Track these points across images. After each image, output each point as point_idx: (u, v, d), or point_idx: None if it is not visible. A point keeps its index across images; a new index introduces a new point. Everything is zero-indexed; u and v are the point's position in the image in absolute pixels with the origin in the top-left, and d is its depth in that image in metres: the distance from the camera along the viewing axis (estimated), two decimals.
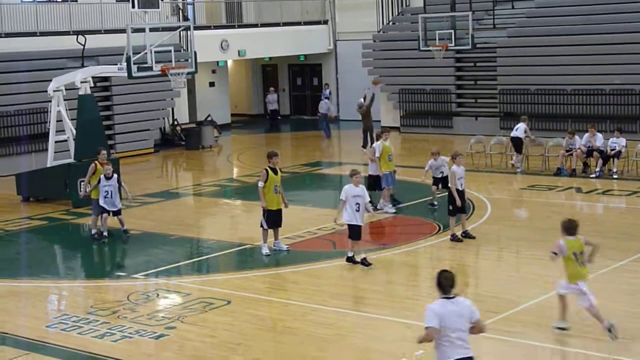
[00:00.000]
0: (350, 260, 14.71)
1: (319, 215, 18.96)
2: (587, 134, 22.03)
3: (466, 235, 16.05)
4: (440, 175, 18.49)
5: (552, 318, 11.71)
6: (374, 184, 18.63)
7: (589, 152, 21.83)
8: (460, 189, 15.90)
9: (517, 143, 22.87)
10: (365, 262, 14.62)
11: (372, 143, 24.89)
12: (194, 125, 31.84)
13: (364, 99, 27.48)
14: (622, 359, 10.39)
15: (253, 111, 39.67)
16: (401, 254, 15.64)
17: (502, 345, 11.04)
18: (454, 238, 15.82)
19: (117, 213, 17.25)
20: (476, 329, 8.20)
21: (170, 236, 17.60)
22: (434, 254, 15.82)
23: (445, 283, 8.15)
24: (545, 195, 20.29)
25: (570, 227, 11.11)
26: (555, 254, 11.05)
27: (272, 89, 36.95)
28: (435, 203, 18.45)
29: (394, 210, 18.54)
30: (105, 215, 17.05)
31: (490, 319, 11.73)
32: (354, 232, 14.67)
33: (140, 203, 20.66)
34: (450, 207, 15.82)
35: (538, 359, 10.94)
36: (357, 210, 14.52)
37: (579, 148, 21.83)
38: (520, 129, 22.85)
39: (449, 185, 16.03)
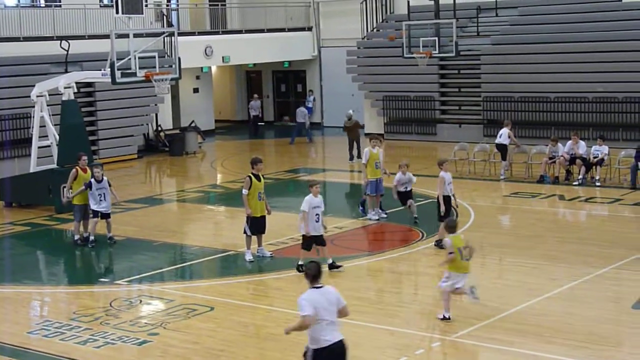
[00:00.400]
0: (333, 266, 14.70)
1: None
2: (570, 142, 22.15)
3: None
4: (403, 190, 17.94)
5: (536, 324, 11.76)
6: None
7: (572, 159, 21.94)
8: (450, 194, 15.98)
9: (502, 150, 22.96)
10: (335, 265, 14.73)
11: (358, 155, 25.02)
12: (177, 131, 31.80)
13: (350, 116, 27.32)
14: None
15: (237, 117, 39.64)
16: (384, 261, 15.66)
17: (485, 352, 11.06)
18: (438, 244, 15.82)
19: (108, 215, 17.23)
20: (342, 313, 9.02)
21: (153, 242, 17.55)
22: (418, 261, 15.84)
23: (311, 273, 8.88)
24: (529, 202, 20.37)
25: (452, 226, 12.43)
26: (451, 253, 12.07)
27: (255, 95, 36.94)
28: (416, 216, 18.09)
29: (377, 218, 18.53)
30: (96, 220, 17.04)
31: (474, 326, 11.78)
32: (309, 243, 14.58)
33: (123, 209, 20.58)
34: (442, 214, 15.83)
35: None
36: (317, 221, 14.52)
37: (562, 156, 21.94)
38: (504, 135, 22.93)
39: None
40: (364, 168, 18.62)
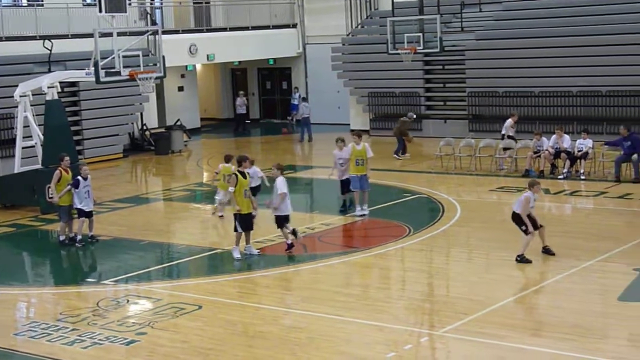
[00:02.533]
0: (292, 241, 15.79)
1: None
2: (554, 136, 22.24)
3: None
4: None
5: (523, 318, 11.81)
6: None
7: (557, 153, 22.03)
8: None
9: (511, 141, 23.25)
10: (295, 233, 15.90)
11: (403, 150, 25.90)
12: (163, 130, 31.69)
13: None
14: (595, 359, 10.48)
15: (223, 115, 39.56)
16: (372, 257, 15.67)
17: (473, 346, 11.10)
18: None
19: (91, 214, 17.22)
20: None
21: (140, 241, 17.50)
22: (405, 256, 15.87)
23: (281, 166, 14.91)
24: (515, 196, 20.41)
25: (229, 158, 16.70)
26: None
27: (241, 92, 36.88)
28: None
29: (361, 214, 18.54)
30: (82, 219, 17.04)
31: (461, 320, 11.81)
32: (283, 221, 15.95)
33: (110, 208, 20.52)
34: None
35: None
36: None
37: (547, 150, 22.02)
38: (507, 126, 23.21)
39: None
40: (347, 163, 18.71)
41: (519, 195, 15.47)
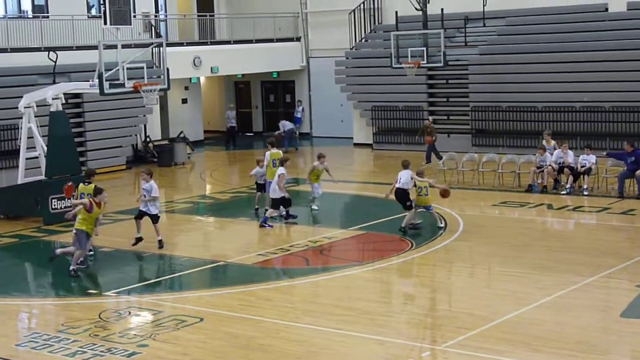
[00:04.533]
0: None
1: (291, 232, 18.97)
2: (557, 150, 22.23)
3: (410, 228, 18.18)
4: (263, 182, 20.17)
5: (525, 334, 11.79)
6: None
7: (560, 168, 22.01)
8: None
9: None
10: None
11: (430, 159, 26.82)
12: (166, 142, 31.75)
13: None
14: None
15: (226, 128, 39.58)
16: (373, 271, 15.66)
17: None
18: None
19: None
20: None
21: (142, 253, 17.50)
22: (407, 270, 15.86)
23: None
24: (517, 211, 20.43)
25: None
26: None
27: (231, 105, 36.82)
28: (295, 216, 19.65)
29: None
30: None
31: (463, 335, 11.79)
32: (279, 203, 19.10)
33: (112, 220, 20.54)
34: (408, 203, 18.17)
35: None
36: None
37: (550, 165, 22.01)
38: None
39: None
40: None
41: (404, 177, 18.11)
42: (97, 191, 15.79)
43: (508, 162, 23.76)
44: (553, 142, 23.02)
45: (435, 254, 16.54)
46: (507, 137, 28.06)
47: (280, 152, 20.64)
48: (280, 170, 18.99)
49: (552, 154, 22.30)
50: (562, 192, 21.71)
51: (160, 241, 17.54)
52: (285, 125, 33.25)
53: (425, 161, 26.48)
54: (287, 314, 13.15)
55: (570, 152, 22.21)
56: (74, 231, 15.75)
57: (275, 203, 19.18)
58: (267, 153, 20.44)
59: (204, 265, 16.50)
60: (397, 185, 18.11)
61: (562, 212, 20.26)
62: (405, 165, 18.30)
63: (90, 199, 15.71)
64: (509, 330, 12.01)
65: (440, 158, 25.97)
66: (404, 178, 18.09)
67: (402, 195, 18.14)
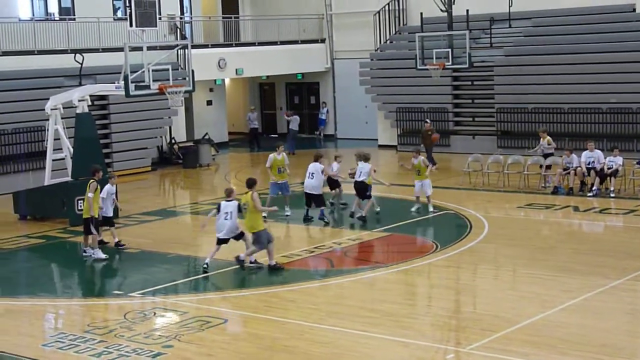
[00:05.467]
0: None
1: (316, 234, 18.98)
2: (586, 151, 22.04)
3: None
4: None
5: (550, 336, 11.71)
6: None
7: (589, 169, 21.79)
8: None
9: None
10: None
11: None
12: (191, 143, 31.86)
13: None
14: None
15: (248, 130, 39.63)
16: (397, 273, 15.63)
17: None
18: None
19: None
20: None
21: (167, 254, 17.58)
22: (431, 272, 15.81)
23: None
24: (543, 213, 20.30)
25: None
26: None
27: (252, 107, 36.82)
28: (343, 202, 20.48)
29: (289, 214, 20.22)
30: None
31: (488, 338, 11.74)
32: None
33: (137, 221, 20.64)
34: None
35: None
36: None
37: (579, 166, 21.84)
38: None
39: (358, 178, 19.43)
40: (268, 171, 20.49)
41: (364, 170, 19.14)
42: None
43: (533, 163, 23.63)
44: (548, 138, 23.08)
45: (460, 256, 16.48)
46: (532, 138, 27.86)
47: (285, 156, 20.59)
48: (318, 165, 19.61)
49: (542, 150, 23.01)
50: (589, 194, 21.55)
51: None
52: (293, 122, 33.06)
53: (431, 165, 26.05)
54: (312, 316, 13.15)
55: (599, 152, 22.01)
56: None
57: (319, 200, 19.64)
58: (271, 156, 20.48)
59: (227, 267, 16.52)
60: (356, 179, 19.36)
61: (589, 214, 20.11)
62: (367, 159, 19.47)
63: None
64: (534, 333, 11.94)
65: (434, 164, 25.69)
66: (364, 171, 19.26)
67: (360, 187, 19.31)
